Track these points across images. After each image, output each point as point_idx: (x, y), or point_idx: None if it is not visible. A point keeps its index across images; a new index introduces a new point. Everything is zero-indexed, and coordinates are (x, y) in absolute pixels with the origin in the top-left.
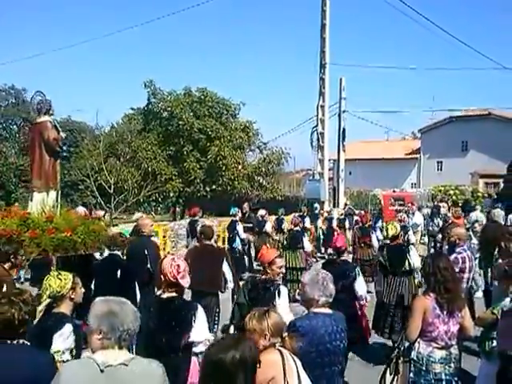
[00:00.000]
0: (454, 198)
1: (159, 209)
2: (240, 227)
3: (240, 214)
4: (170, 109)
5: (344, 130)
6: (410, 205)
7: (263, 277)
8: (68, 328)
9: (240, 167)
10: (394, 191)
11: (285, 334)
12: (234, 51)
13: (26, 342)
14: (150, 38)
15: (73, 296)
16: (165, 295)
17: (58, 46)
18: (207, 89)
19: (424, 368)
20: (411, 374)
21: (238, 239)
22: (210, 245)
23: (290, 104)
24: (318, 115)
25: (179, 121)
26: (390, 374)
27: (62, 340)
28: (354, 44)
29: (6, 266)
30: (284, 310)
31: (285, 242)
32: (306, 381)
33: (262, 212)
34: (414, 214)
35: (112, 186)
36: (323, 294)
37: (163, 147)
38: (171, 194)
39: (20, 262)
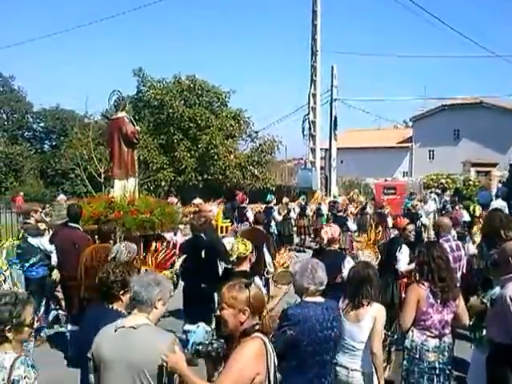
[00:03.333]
0: (445, 186)
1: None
2: (276, 213)
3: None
4: (159, 97)
5: (336, 118)
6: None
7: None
8: (257, 281)
9: (231, 156)
10: (385, 180)
11: (264, 313)
12: (225, 37)
13: (119, 308)
14: (139, 24)
15: (252, 258)
16: (327, 248)
17: (46, 33)
18: (196, 77)
19: (418, 356)
20: (405, 363)
21: (273, 224)
22: (258, 228)
23: (282, 92)
24: (309, 103)
25: (169, 109)
26: (384, 362)
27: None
28: (345, 31)
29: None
30: (404, 262)
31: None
32: (276, 374)
33: (286, 199)
34: (426, 202)
35: (102, 175)
36: (312, 283)
37: (154, 136)
38: (163, 183)
39: (119, 241)
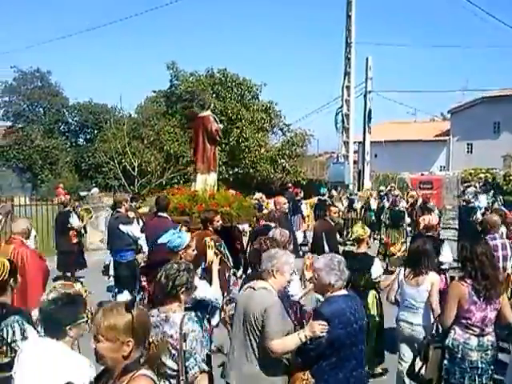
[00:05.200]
0: (484, 180)
1: None
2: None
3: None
4: (191, 90)
5: (370, 111)
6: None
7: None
8: (377, 262)
9: (262, 150)
10: (422, 174)
11: (152, 338)
12: (257, 30)
13: None
14: (172, 18)
15: (368, 241)
16: (426, 234)
17: (79, 29)
18: (227, 70)
19: (459, 355)
20: (446, 362)
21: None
22: (327, 220)
23: (314, 85)
24: (343, 96)
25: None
26: (421, 361)
27: (377, 270)
28: (381, 22)
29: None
30: (447, 256)
31: (387, 221)
32: None
33: (334, 192)
34: (477, 197)
35: (136, 169)
36: (339, 279)
37: (185, 129)
38: (192, 177)
39: (217, 227)
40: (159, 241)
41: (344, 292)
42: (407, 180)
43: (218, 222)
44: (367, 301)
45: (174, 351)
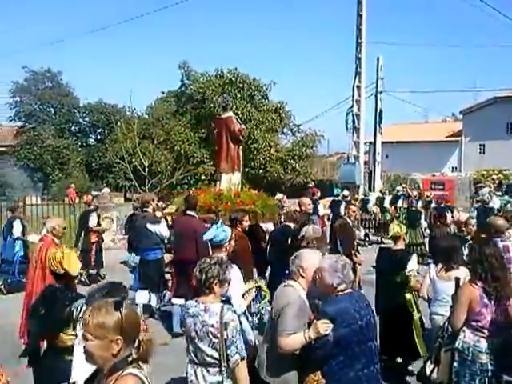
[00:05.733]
0: (497, 181)
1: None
2: (343, 206)
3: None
4: (202, 91)
5: (381, 111)
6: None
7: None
8: (414, 257)
9: (272, 150)
10: (433, 175)
11: (142, 336)
12: (266, 29)
13: None
14: (182, 18)
15: (404, 237)
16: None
17: (89, 29)
18: (237, 70)
19: (470, 358)
20: (455, 364)
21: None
22: (344, 218)
23: (325, 85)
24: (353, 96)
25: (210, 103)
26: (432, 363)
27: (413, 264)
28: (392, 21)
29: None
30: None
31: (404, 221)
32: None
33: (346, 192)
34: (491, 198)
35: (146, 169)
36: (342, 282)
37: (195, 130)
38: (203, 177)
39: (245, 228)
40: (204, 237)
41: (349, 290)
42: (418, 181)
43: (246, 221)
44: (406, 297)
45: (214, 339)
